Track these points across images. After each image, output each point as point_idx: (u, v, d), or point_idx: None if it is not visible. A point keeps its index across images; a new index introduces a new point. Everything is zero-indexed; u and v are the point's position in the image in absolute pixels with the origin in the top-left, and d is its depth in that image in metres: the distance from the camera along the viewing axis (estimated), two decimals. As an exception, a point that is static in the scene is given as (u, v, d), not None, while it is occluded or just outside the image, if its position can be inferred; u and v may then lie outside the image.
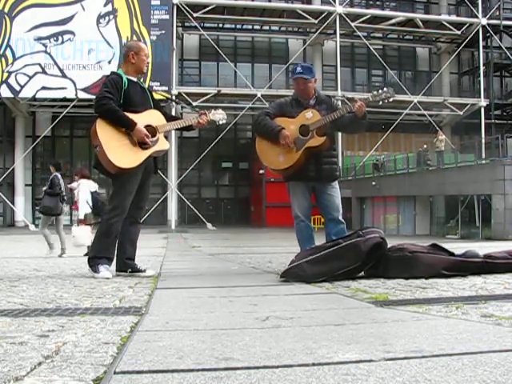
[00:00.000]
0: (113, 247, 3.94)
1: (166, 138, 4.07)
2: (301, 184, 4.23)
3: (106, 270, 3.81)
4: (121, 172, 3.85)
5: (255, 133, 4.36)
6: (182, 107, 26.16)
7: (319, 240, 4.15)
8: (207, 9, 27.55)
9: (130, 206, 3.99)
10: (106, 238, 3.90)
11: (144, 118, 3.91)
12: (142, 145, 3.87)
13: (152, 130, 3.92)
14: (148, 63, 4.15)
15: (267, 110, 4.35)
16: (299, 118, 4.09)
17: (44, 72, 25.71)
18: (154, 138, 3.93)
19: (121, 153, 3.80)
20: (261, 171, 29.45)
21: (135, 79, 4.06)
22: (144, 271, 4.02)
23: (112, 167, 3.81)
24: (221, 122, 4.35)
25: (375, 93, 4.18)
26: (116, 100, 3.82)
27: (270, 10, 29.36)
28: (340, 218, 4.25)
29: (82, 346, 1.58)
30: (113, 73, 4.05)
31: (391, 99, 4.15)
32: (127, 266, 3.98)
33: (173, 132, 30.08)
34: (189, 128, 4.21)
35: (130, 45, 4.28)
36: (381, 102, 4.16)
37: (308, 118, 4.06)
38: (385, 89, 4.21)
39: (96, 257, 3.86)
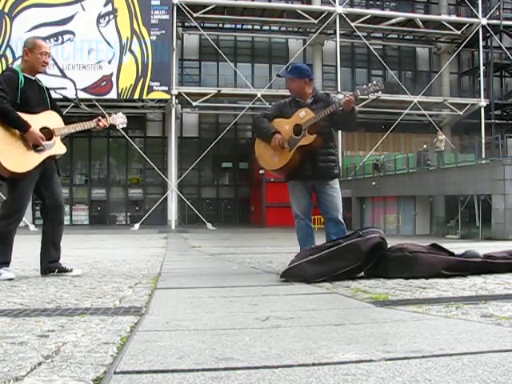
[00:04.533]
0: (10, 252, 3.84)
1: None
2: (299, 183, 4.26)
3: (8, 271, 3.70)
4: (14, 176, 3.69)
5: (254, 134, 4.43)
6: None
7: (319, 240, 4.15)
8: (207, 9, 27.55)
9: (49, 208, 3.92)
10: (4, 244, 3.78)
11: (40, 120, 3.76)
12: (36, 147, 3.72)
13: (48, 133, 3.78)
14: (46, 63, 3.86)
15: (266, 111, 4.41)
16: (293, 118, 4.14)
17: (44, 72, 25.66)
18: (50, 142, 3.78)
19: (13, 156, 3.63)
20: (261, 171, 29.40)
21: (33, 77, 3.89)
22: (71, 271, 3.95)
23: (4, 171, 3.64)
24: (121, 126, 4.22)
25: (364, 87, 4.19)
26: (10, 99, 3.64)
27: (270, 10, 29.36)
28: (340, 217, 4.24)
29: (82, 346, 1.58)
30: (8, 69, 3.87)
31: (380, 92, 4.20)
32: (52, 269, 3.92)
33: (172, 132, 30.10)
34: (88, 131, 4.09)
35: (25, 40, 3.91)
36: (370, 96, 4.23)
37: (301, 118, 4.10)
38: (374, 82, 4.21)
39: None
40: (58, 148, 3.86)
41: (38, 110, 3.81)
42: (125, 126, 4.22)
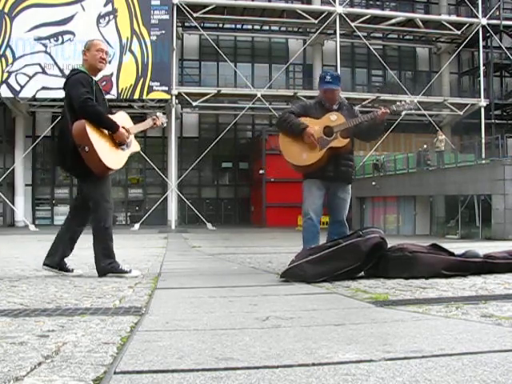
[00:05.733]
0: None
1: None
2: (319, 183, 4.33)
3: (135, 269, 3.90)
4: (103, 172, 3.83)
5: (279, 129, 4.47)
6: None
7: (320, 240, 4.16)
8: (207, 9, 27.53)
9: (86, 210, 3.98)
10: (111, 240, 3.90)
11: (118, 120, 3.92)
12: (121, 145, 3.90)
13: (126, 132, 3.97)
14: (103, 59, 3.97)
15: (291, 109, 4.48)
16: (323, 120, 4.25)
17: (44, 72, 25.70)
18: (128, 140, 3.97)
19: (109, 154, 3.80)
20: (261, 171, 29.41)
21: (96, 79, 3.99)
22: (72, 271, 4.01)
23: (102, 168, 3.77)
24: (164, 125, 4.46)
25: (398, 103, 4.40)
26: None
27: (270, 9, 29.32)
28: (345, 220, 4.41)
29: (82, 346, 1.58)
30: (79, 70, 3.91)
31: (413, 110, 4.37)
32: (59, 265, 3.97)
33: (172, 132, 30.10)
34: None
35: (85, 43, 4.13)
36: (404, 112, 4.35)
37: (332, 120, 4.23)
38: (407, 100, 4.46)
39: (113, 262, 3.85)
40: (135, 146, 4.08)
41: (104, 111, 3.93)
42: (165, 125, 4.51)
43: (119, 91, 26.00)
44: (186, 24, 30.07)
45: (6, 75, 25.41)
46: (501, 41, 30.47)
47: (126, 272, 3.82)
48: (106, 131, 3.82)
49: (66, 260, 4.03)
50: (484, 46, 30.44)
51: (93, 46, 3.96)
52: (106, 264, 3.83)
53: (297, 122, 4.25)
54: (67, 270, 3.98)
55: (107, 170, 3.81)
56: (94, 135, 3.71)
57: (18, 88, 25.54)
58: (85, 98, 3.71)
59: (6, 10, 25.31)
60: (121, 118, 3.99)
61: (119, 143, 3.88)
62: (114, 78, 25.99)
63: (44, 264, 3.95)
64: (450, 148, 26.94)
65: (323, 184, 4.33)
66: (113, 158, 3.83)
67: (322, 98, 4.40)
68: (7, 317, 2.12)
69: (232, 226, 29.75)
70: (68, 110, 3.80)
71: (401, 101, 4.46)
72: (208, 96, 27.85)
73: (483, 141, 25.76)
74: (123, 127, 3.92)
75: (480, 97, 29.74)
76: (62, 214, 32.20)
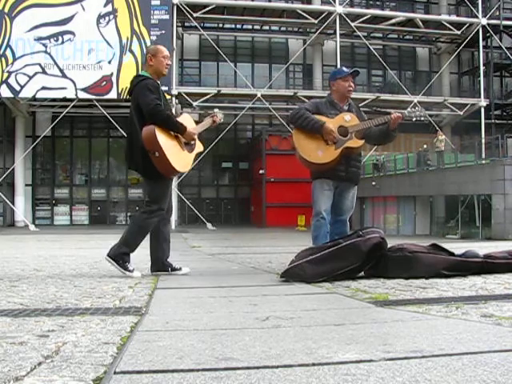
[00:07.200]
0: (138, 245, 4.04)
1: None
2: (330, 182, 4.34)
3: (137, 271, 3.93)
4: (173, 175, 4.05)
5: (293, 125, 4.44)
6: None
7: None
8: (207, 9, 27.53)
9: (168, 209, 4.15)
10: (142, 236, 3.99)
11: (183, 122, 4.03)
12: (187, 146, 4.04)
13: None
14: (168, 65, 4.11)
15: (305, 106, 4.48)
16: (338, 119, 4.25)
17: (44, 72, 25.69)
18: (194, 141, 4.12)
19: (178, 158, 3.93)
20: (261, 171, 29.39)
21: (158, 83, 4.10)
22: (180, 269, 4.16)
23: (171, 171, 3.92)
24: (221, 121, 4.53)
25: (409, 110, 4.45)
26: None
27: (270, 9, 29.32)
28: (347, 220, 4.43)
29: (82, 346, 1.58)
30: (145, 76, 4.02)
31: (422, 118, 4.38)
32: (166, 266, 4.13)
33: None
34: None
35: (148, 48, 4.30)
36: (414, 119, 4.40)
37: (346, 121, 4.25)
38: (417, 107, 4.53)
39: (127, 253, 3.92)
40: (199, 146, 4.21)
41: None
42: (222, 120, 4.54)
43: (119, 91, 25.98)
44: (186, 24, 30.07)
45: (6, 75, 25.40)
46: (501, 41, 30.46)
47: (128, 270, 3.84)
48: (173, 135, 3.93)
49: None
50: (484, 46, 30.44)
51: (159, 52, 4.08)
52: (120, 252, 3.89)
53: (314, 118, 4.24)
54: (175, 269, 4.13)
55: (176, 172, 3.98)
56: (163, 140, 3.83)
57: (18, 88, 25.52)
58: (155, 104, 3.83)
59: (6, 10, 25.30)
60: (185, 120, 4.09)
61: (186, 143, 4.01)
62: (114, 78, 26.00)
63: (154, 271, 4.09)
64: (450, 148, 26.94)
65: (334, 184, 4.34)
66: (181, 160, 3.97)
67: (342, 91, 4.38)
68: (7, 317, 2.12)
69: (232, 225, 29.75)
70: (135, 115, 3.92)
71: (414, 106, 4.55)
72: (208, 96, 27.85)
73: (483, 141, 25.74)
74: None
75: (480, 97, 29.73)
76: (61, 214, 32.22)
